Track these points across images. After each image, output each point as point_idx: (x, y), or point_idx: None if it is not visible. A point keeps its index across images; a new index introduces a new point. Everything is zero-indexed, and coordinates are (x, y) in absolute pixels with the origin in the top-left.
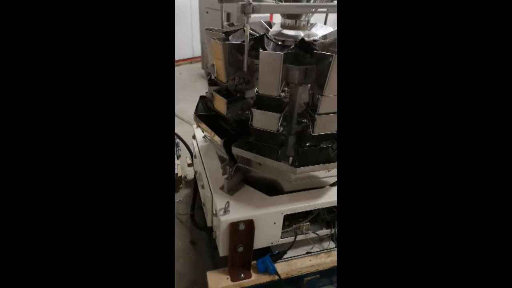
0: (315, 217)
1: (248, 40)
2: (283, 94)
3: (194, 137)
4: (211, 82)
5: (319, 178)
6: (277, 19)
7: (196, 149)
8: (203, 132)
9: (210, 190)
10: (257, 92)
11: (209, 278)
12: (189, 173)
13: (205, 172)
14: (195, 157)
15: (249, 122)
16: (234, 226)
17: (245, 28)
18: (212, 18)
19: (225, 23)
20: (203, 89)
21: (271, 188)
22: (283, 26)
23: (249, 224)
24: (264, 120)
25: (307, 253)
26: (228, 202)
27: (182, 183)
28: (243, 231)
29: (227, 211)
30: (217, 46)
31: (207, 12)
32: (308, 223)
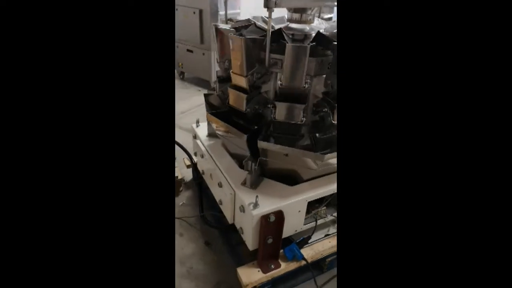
0: (330, 200)
1: (270, 34)
2: (306, 85)
3: (195, 136)
4: (221, 80)
5: (333, 164)
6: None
7: (203, 148)
8: (216, 130)
9: (231, 187)
10: (281, 84)
11: (241, 273)
12: (186, 175)
13: (220, 170)
14: (202, 156)
15: (272, 116)
16: (264, 218)
17: (267, 23)
18: (183, 16)
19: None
20: (178, 89)
21: (288, 178)
22: (290, 20)
23: (279, 215)
24: (288, 112)
25: (325, 235)
26: (257, 196)
27: (182, 186)
28: (273, 223)
29: (257, 205)
30: (237, 42)
31: (176, 9)
32: (325, 207)
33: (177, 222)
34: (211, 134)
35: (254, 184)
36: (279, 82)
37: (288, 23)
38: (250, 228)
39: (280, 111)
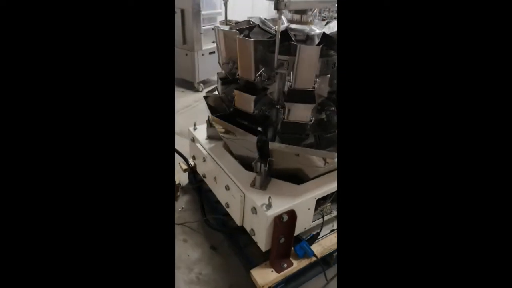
0: (334, 197)
1: (279, 36)
2: (315, 86)
3: (194, 140)
4: (224, 81)
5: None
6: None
7: (204, 152)
8: (220, 132)
9: (240, 189)
10: (290, 86)
11: (255, 275)
12: (182, 179)
13: (226, 173)
14: (204, 160)
15: (282, 116)
16: (278, 218)
17: (277, 24)
18: None
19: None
20: None
21: (294, 177)
22: (291, 21)
23: (292, 215)
24: (298, 112)
25: (331, 231)
26: (270, 197)
27: (179, 191)
28: (286, 222)
29: (270, 206)
30: (246, 45)
31: None
32: (329, 203)
33: (179, 228)
34: (211, 137)
35: (263, 185)
36: (288, 83)
37: (288, 24)
38: (263, 229)
39: (290, 112)
